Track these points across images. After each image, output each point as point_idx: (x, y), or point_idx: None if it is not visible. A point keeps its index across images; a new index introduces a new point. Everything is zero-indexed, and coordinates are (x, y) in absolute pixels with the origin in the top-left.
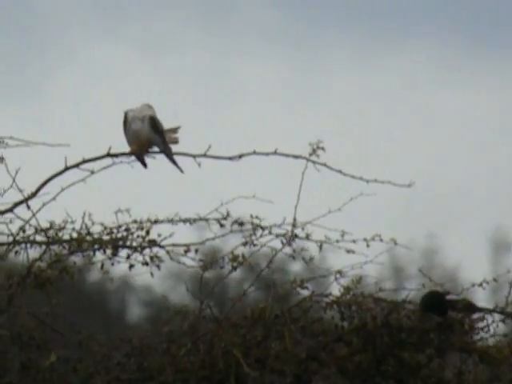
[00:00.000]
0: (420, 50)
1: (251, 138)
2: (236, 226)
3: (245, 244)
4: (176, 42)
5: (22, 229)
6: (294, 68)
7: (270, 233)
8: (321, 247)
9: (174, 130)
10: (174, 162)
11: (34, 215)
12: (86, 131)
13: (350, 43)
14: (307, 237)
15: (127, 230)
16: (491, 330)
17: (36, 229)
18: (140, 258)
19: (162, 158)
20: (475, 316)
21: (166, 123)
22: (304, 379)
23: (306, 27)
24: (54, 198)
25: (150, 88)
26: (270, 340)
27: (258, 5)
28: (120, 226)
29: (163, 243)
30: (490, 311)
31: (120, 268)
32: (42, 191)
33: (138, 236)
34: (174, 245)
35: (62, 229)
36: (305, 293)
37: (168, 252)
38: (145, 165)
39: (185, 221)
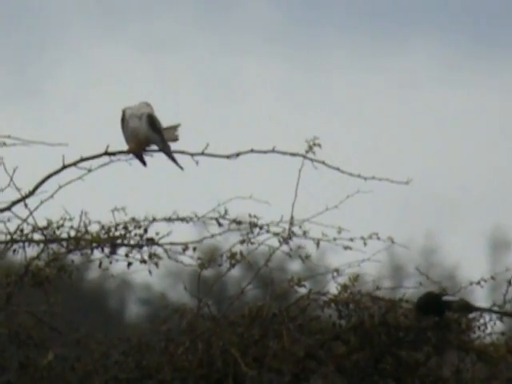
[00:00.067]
0: (420, 49)
1: (251, 137)
2: (234, 225)
3: (242, 242)
4: (176, 41)
5: (20, 227)
6: (294, 67)
7: (268, 231)
8: (318, 244)
9: (174, 128)
10: (174, 160)
11: (31, 213)
12: (86, 130)
13: (350, 43)
14: (304, 234)
15: (125, 228)
16: (488, 329)
17: (33, 227)
18: (138, 256)
19: (160, 156)
20: (472, 315)
21: (166, 121)
22: (302, 378)
23: (306, 27)
24: (51, 196)
25: (150, 87)
26: (267, 339)
27: (258, 4)
28: (118, 225)
29: (161, 241)
30: (486, 311)
31: (118, 266)
32: (39, 189)
33: (135, 234)
34: (171, 243)
35: (60, 227)
36: (303, 291)
37: (165, 250)
38: (144, 163)
39: (182, 219)
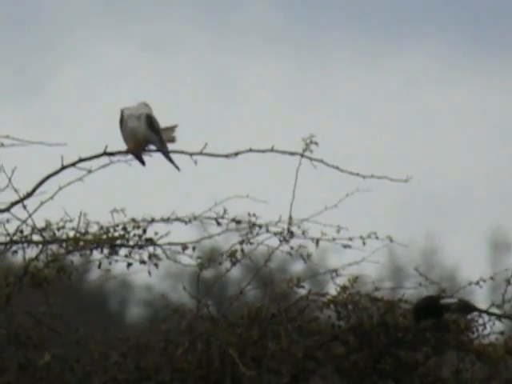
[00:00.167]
0: (420, 49)
1: (251, 137)
2: (233, 225)
3: (241, 242)
4: (178, 41)
5: (20, 229)
6: (294, 67)
7: (268, 230)
8: (317, 244)
9: (171, 129)
10: (171, 160)
11: (30, 216)
12: (90, 130)
13: (350, 43)
14: (303, 234)
15: (124, 228)
16: (487, 329)
17: (33, 228)
18: (137, 256)
19: (158, 156)
20: (471, 316)
21: (166, 121)
22: (301, 378)
23: (307, 27)
24: (51, 197)
25: (151, 87)
26: (266, 339)
27: (259, 5)
28: (117, 225)
29: (160, 242)
30: (485, 312)
31: (119, 267)
32: (38, 190)
33: (134, 235)
34: (170, 243)
35: (60, 228)
36: (302, 292)
37: (164, 251)
38: (143, 162)
39: (181, 220)
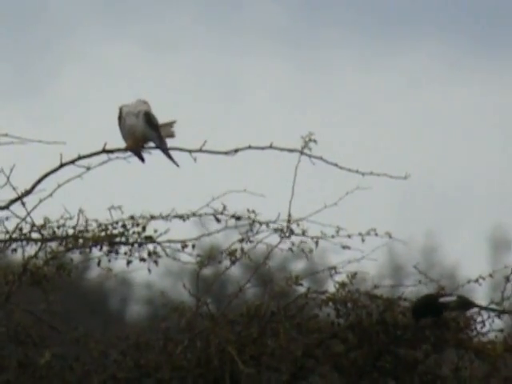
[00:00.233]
0: (420, 49)
1: (252, 136)
2: (232, 222)
3: (241, 241)
4: (180, 40)
5: (19, 226)
6: (295, 67)
7: (268, 225)
8: (317, 243)
9: (170, 124)
10: (170, 157)
11: (28, 214)
12: (91, 129)
13: (350, 43)
14: (303, 233)
15: (123, 226)
16: (487, 326)
17: (32, 226)
18: (137, 254)
19: (158, 153)
20: (470, 312)
21: (164, 118)
22: (300, 376)
23: (308, 27)
24: (50, 195)
25: (152, 85)
26: (265, 337)
27: (260, 5)
28: (117, 223)
29: (159, 239)
30: (484, 308)
31: (119, 265)
32: (37, 188)
33: (133, 232)
34: (169, 241)
35: (60, 226)
36: (301, 290)
37: (163, 249)
38: (142, 159)
39: (180, 217)
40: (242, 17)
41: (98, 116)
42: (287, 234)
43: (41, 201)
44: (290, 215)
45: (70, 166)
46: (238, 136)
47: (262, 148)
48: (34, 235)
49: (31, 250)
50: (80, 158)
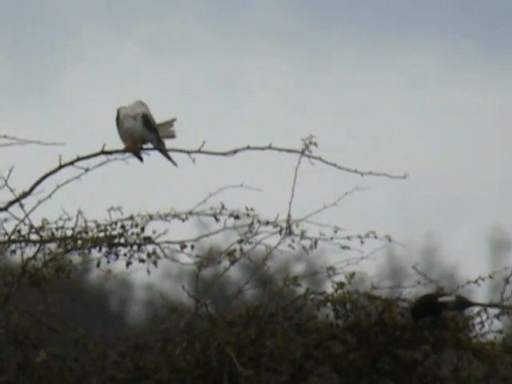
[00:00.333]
0: (420, 49)
1: (254, 138)
2: (231, 221)
3: (240, 242)
4: (183, 41)
5: (18, 228)
6: (296, 67)
7: (267, 223)
8: (316, 244)
9: (170, 123)
10: (168, 157)
11: (27, 215)
12: (94, 130)
13: (350, 43)
14: (302, 234)
15: (122, 227)
16: (486, 327)
17: (30, 227)
18: (136, 255)
19: (156, 154)
20: (469, 312)
21: (164, 118)
22: (299, 377)
23: (308, 27)
24: (49, 196)
25: (155, 86)
26: (264, 338)
27: (261, 5)
28: (115, 223)
29: (158, 240)
30: (482, 305)
31: (118, 266)
32: (36, 189)
33: (132, 233)
34: (168, 242)
35: (59, 228)
36: (300, 291)
37: (162, 249)
38: (141, 158)
39: (179, 217)
40: (242, 17)
41: (100, 117)
42: (287, 232)
43: (39, 202)
44: (289, 216)
45: (68, 168)
46: (238, 136)
47: (261, 148)
48: (33, 237)
49: (30, 251)
50: (79, 159)
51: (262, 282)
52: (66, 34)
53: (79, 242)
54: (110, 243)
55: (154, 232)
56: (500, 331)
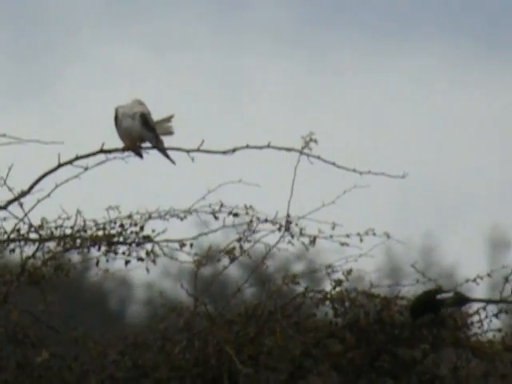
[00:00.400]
0: (420, 49)
1: (254, 137)
2: (230, 219)
3: (239, 240)
4: (184, 41)
5: (17, 227)
6: (296, 67)
7: (266, 221)
8: (314, 242)
9: (168, 120)
10: (167, 155)
11: (26, 214)
12: (94, 129)
13: (350, 43)
14: (301, 232)
15: (121, 226)
16: (485, 326)
17: (29, 226)
18: (135, 253)
19: (155, 152)
20: (468, 309)
21: (161, 114)
22: (298, 376)
23: (309, 27)
24: (48, 195)
25: (155, 86)
26: (263, 336)
27: (262, 5)
28: (114, 222)
29: (157, 239)
30: (481, 301)
31: (118, 265)
32: (36, 188)
33: (131, 232)
34: (167, 240)
35: (58, 226)
36: (299, 289)
37: (161, 248)
38: (140, 155)
39: (178, 215)
40: (242, 17)
41: (100, 116)
42: (287, 228)
43: (39, 201)
44: (288, 215)
45: (67, 167)
46: (238, 135)
47: (260, 147)
48: (32, 235)
49: (29, 250)
50: (78, 158)
51: (261, 281)
52: (66, 33)
53: (78, 240)
54: (109, 242)
55: (153, 230)
56: (499, 329)
